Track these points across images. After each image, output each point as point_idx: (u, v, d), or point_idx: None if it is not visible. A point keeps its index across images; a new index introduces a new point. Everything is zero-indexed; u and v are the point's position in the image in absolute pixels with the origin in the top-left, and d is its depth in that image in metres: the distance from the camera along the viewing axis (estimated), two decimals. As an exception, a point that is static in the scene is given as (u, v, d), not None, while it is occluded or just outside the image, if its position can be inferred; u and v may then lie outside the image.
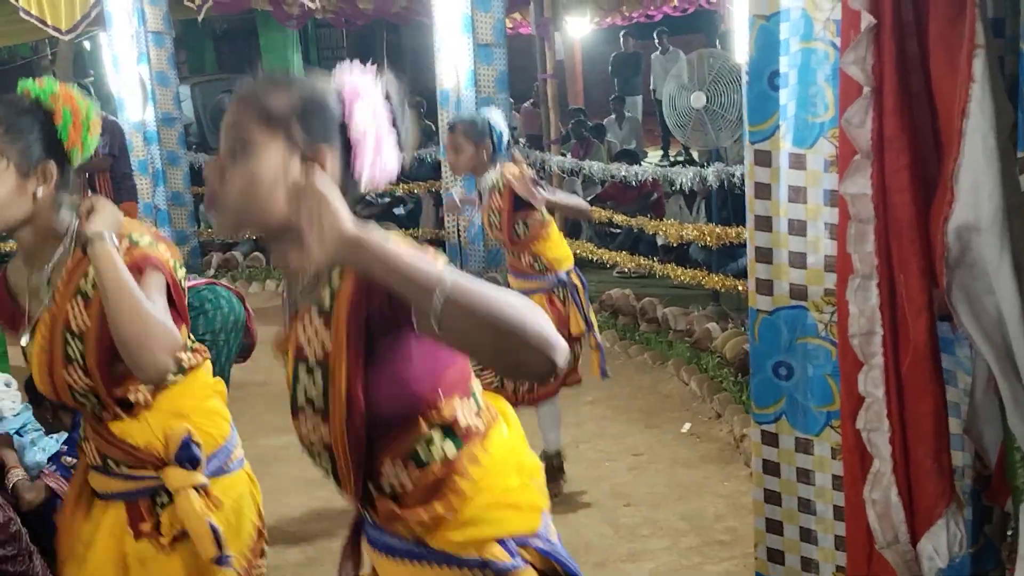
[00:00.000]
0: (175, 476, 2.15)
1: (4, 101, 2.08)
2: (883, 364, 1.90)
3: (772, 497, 2.46)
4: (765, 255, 2.40)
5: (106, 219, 2.07)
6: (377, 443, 1.55)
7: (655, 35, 13.33)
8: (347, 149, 1.53)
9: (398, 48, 16.09)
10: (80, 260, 2.09)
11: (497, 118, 4.29)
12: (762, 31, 2.34)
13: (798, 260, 2.35)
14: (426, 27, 9.16)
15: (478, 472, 1.60)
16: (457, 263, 8.37)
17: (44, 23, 8.35)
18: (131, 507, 2.19)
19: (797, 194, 2.33)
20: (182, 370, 2.20)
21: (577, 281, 4.41)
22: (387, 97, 1.55)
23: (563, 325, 4.34)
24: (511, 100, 8.72)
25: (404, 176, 9.72)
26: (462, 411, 1.59)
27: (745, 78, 2.48)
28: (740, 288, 6.37)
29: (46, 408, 3.68)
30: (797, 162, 2.33)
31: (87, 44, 12.65)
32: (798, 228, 2.34)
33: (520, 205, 4.23)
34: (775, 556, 2.48)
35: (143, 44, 8.62)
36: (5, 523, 2.93)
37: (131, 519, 2.19)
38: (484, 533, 1.60)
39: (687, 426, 5.42)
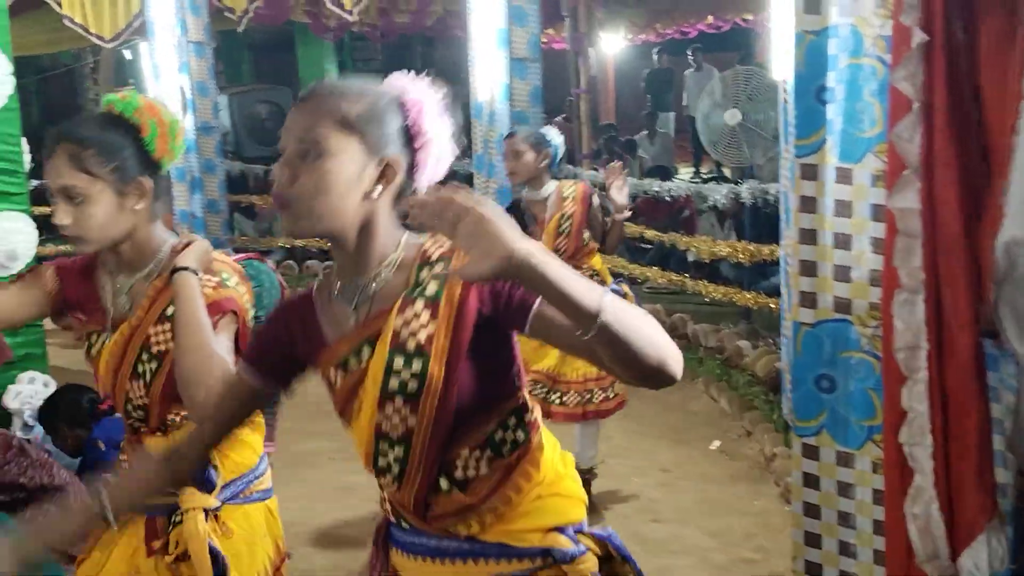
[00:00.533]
0: (190, 496, 2.16)
1: (92, 120, 2.10)
2: (927, 379, 1.90)
3: (811, 510, 2.46)
4: (809, 268, 2.41)
5: (198, 255, 2.11)
6: (458, 430, 1.57)
7: (689, 52, 13.32)
8: (411, 151, 1.57)
9: (432, 61, 16.18)
10: (165, 285, 2.13)
11: (553, 134, 4.40)
12: (811, 47, 2.35)
13: (842, 274, 2.36)
14: (460, 41, 9.21)
15: (542, 460, 1.63)
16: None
17: (88, 31, 8.46)
18: (149, 523, 2.21)
19: (843, 208, 2.34)
20: None
21: (628, 293, 4.44)
22: (444, 102, 1.60)
23: None
24: (544, 115, 8.73)
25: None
26: (528, 401, 1.64)
27: (783, 94, 2.50)
28: (772, 306, 6.34)
29: (63, 435, 3.72)
30: (843, 176, 2.34)
31: (128, 53, 12.80)
32: (843, 242, 2.35)
33: (590, 210, 4.34)
34: (813, 569, 2.48)
35: (184, 54, 8.72)
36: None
37: (147, 534, 2.20)
38: (545, 521, 1.61)
39: (716, 444, 5.40)
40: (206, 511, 2.17)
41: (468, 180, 8.89)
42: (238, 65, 15.52)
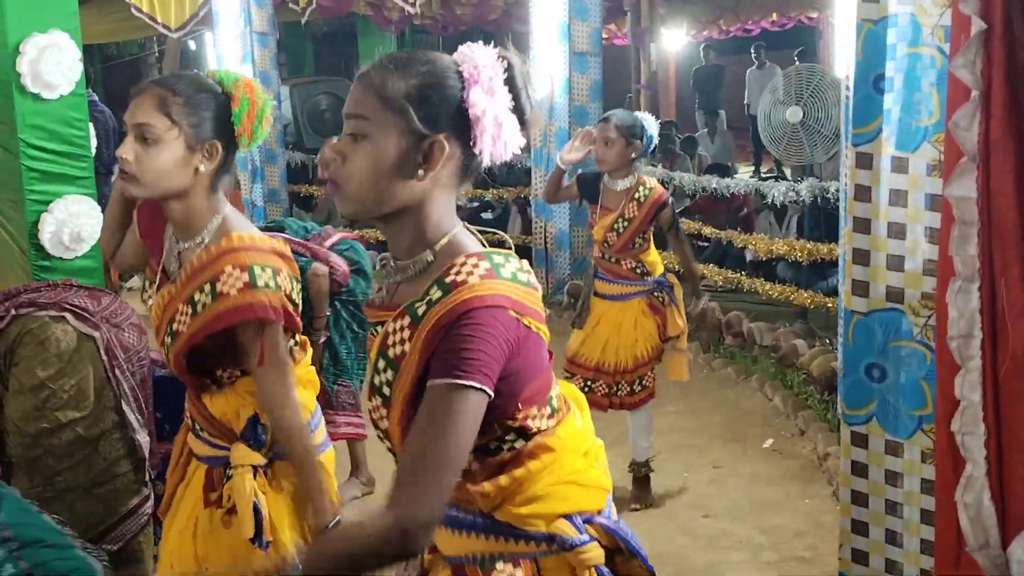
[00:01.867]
0: (238, 452, 2.23)
1: (190, 76, 2.17)
2: (981, 368, 1.87)
3: (859, 498, 2.46)
4: (863, 257, 2.40)
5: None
6: None
7: (752, 49, 13.19)
8: (467, 125, 1.51)
9: (493, 56, 16.20)
10: (207, 264, 2.13)
11: (650, 124, 4.35)
12: (870, 35, 2.34)
13: (896, 263, 2.35)
14: (521, 35, 9.22)
15: (547, 457, 1.61)
16: (543, 269, 8.40)
17: (155, 20, 8.63)
18: (208, 473, 2.29)
19: (898, 197, 2.33)
20: None
21: (676, 283, 4.44)
22: (509, 75, 1.53)
23: (662, 327, 4.37)
24: (603, 110, 8.73)
25: (493, 181, 9.79)
26: (535, 419, 1.60)
27: (846, 84, 2.48)
28: (830, 306, 6.27)
29: None
30: (899, 166, 2.33)
31: (192, 43, 13.03)
32: (897, 231, 2.34)
33: (656, 218, 4.31)
34: (859, 557, 2.49)
35: (248, 44, 8.86)
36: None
37: (205, 484, 2.29)
38: (551, 508, 1.60)
39: (769, 442, 5.36)
40: (255, 468, 2.22)
41: (526, 174, 8.93)
42: (300, 57, 15.72)
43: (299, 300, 2.28)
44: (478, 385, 1.44)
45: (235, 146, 2.19)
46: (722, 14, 13.77)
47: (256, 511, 2.18)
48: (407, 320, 1.50)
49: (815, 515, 4.35)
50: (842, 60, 5.27)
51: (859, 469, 2.44)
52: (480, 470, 1.60)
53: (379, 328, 1.61)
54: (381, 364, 1.54)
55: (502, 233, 1.71)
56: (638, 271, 4.39)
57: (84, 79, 4.20)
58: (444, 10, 11.45)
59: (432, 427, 1.43)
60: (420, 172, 1.50)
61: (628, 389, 4.40)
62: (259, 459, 2.23)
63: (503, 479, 1.58)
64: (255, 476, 2.22)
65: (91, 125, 4.38)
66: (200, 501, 2.28)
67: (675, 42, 14.02)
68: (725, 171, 9.31)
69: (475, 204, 10.05)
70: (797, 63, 8.51)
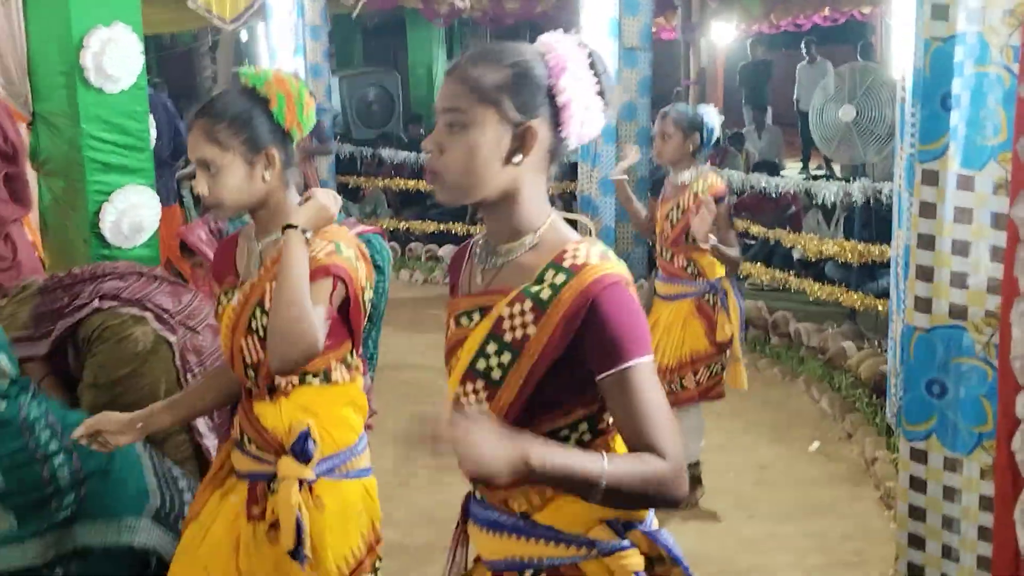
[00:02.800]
0: (285, 465, 2.24)
1: (225, 97, 2.23)
2: (1043, 388, 1.87)
3: (916, 513, 2.47)
4: (926, 273, 2.40)
5: (310, 213, 2.20)
6: (528, 419, 1.61)
7: (803, 44, 13.05)
8: (555, 111, 1.59)
9: (540, 49, 16.17)
10: None
11: (711, 116, 4.33)
12: (937, 53, 2.34)
13: (959, 280, 2.35)
14: (570, 29, 9.20)
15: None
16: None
17: (210, 12, 8.70)
18: (251, 488, 2.31)
19: (963, 215, 2.33)
20: (328, 379, 2.31)
21: (729, 289, 4.34)
22: (592, 61, 1.61)
23: (711, 331, 4.34)
24: (652, 105, 8.70)
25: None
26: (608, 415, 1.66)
27: (901, 92, 2.47)
28: (880, 308, 6.22)
29: None
30: (965, 183, 2.33)
31: (245, 35, 13.15)
32: (961, 248, 2.34)
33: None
34: (915, 571, 2.50)
35: (300, 36, 8.94)
36: None
37: (248, 499, 2.30)
38: (594, 512, 1.62)
39: (816, 444, 5.33)
40: (301, 482, 2.23)
41: (572, 169, 8.93)
42: (350, 49, 15.81)
43: (367, 305, 2.33)
44: (648, 357, 1.55)
45: (290, 139, 2.26)
46: (773, 7, 13.63)
47: (299, 525, 2.19)
48: (528, 304, 1.57)
49: (862, 519, 4.33)
50: (899, 62, 5.23)
51: (917, 484, 2.44)
52: None
53: (468, 316, 1.66)
54: (492, 347, 1.59)
55: (582, 217, 1.76)
56: (690, 271, 4.36)
57: (145, 71, 4.28)
58: (493, 4, 11.47)
59: (637, 407, 1.54)
60: (516, 158, 1.58)
61: (667, 388, 4.35)
62: (307, 473, 2.24)
63: None
64: (300, 490, 2.24)
65: (151, 117, 4.46)
66: (242, 515, 2.29)
67: (724, 36, 13.90)
68: (773, 168, 9.24)
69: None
70: (859, 60, 8.42)
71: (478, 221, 9.98)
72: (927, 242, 2.38)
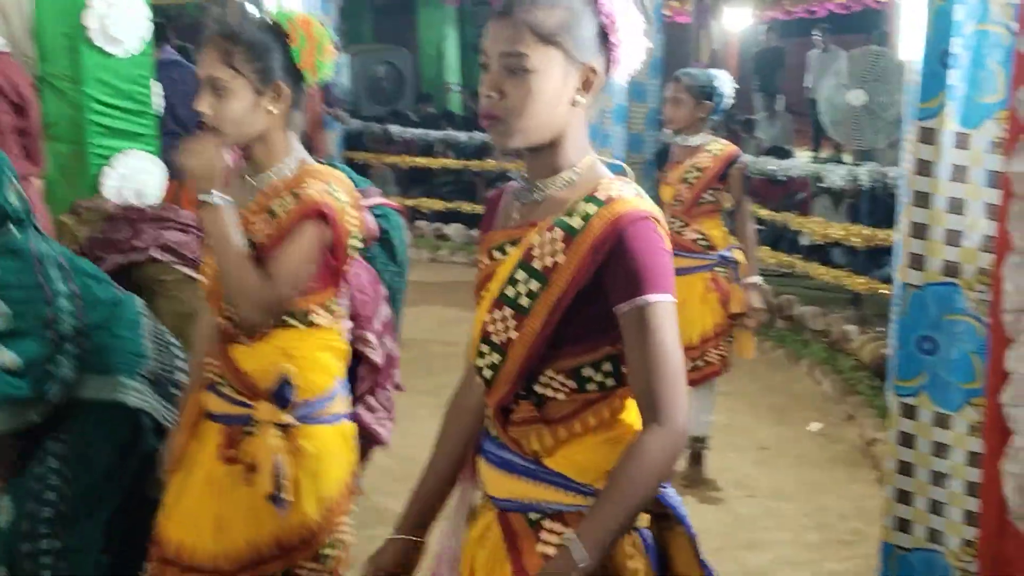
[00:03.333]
0: (264, 409, 2.23)
1: (245, 22, 2.22)
2: (1031, 342, 1.87)
3: (905, 468, 2.49)
4: (920, 231, 2.41)
5: (200, 176, 2.17)
6: (554, 351, 1.61)
7: (815, 31, 12.98)
8: (607, 49, 1.60)
9: (552, 31, 16.15)
10: (289, 183, 2.22)
11: (724, 83, 4.28)
12: (938, 12, 2.36)
13: (954, 238, 2.36)
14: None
15: (622, 410, 1.65)
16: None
17: (219, -16, 8.70)
18: (226, 431, 2.28)
19: (959, 173, 2.34)
20: (309, 323, 2.29)
21: (741, 260, 4.33)
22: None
23: (725, 303, 4.30)
24: (662, 88, 8.68)
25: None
26: None
27: (909, 75, 2.46)
28: (884, 292, 6.20)
29: None
30: (962, 142, 2.33)
31: (252, 7, 13.11)
32: (957, 206, 2.35)
33: (723, 178, 4.24)
34: (903, 526, 2.52)
35: (309, 10, 8.90)
36: None
37: (223, 443, 2.28)
38: (603, 464, 1.61)
39: (817, 426, 5.33)
40: (279, 426, 2.23)
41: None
42: (359, 25, 15.76)
43: (354, 253, 2.32)
44: (668, 297, 1.56)
45: (302, 81, 2.24)
46: (788, -6, 13.57)
47: (277, 469, 2.19)
48: (559, 233, 1.58)
49: (860, 499, 4.33)
50: (907, 43, 5.20)
51: (907, 440, 2.46)
52: (561, 402, 1.63)
53: (501, 250, 1.67)
54: (521, 275, 1.60)
55: (622, 163, 1.77)
56: (701, 243, 4.30)
57: (154, 38, 4.26)
58: (505, -18, 11.42)
59: (649, 345, 1.54)
60: (579, 98, 1.60)
61: (691, 365, 4.27)
62: (284, 417, 2.23)
63: (577, 424, 1.63)
64: (280, 434, 2.23)
65: (158, 84, 4.45)
66: (216, 459, 2.27)
67: (738, 21, 13.84)
68: (784, 154, 9.21)
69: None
70: (873, 47, 8.37)
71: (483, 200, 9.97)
72: (922, 199, 2.39)
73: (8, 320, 2.48)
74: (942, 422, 2.39)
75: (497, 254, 1.68)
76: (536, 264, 1.59)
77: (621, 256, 1.54)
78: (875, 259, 6.87)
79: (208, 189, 2.17)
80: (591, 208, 1.57)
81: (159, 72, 4.75)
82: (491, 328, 1.64)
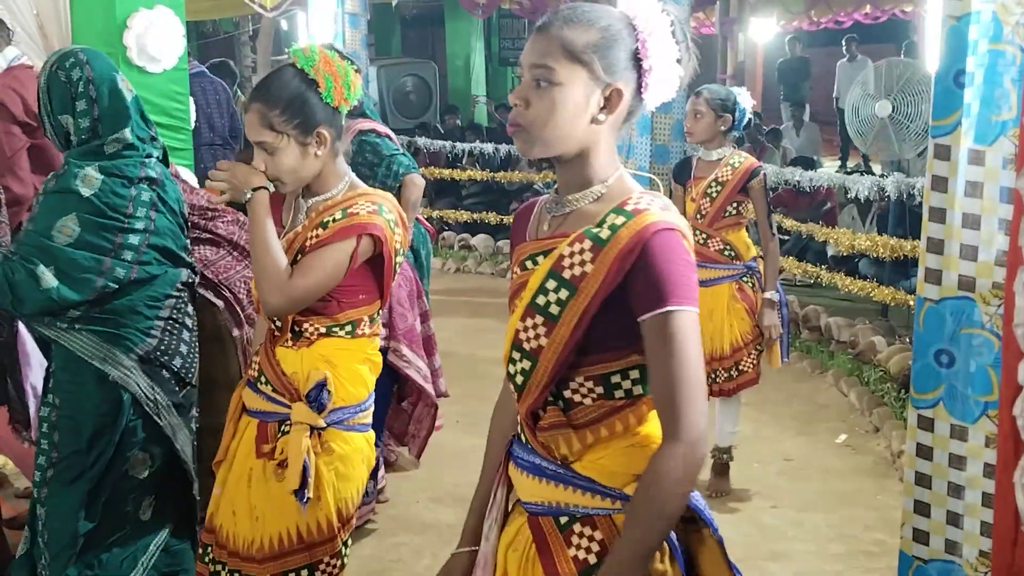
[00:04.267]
0: (299, 411, 2.40)
1: (278, 82, 2.37)
2: (1046, 355, 1.90)
3: (923, 480, 2.51)
4: (937, 246, 2.45)
5: (240, 183, 2.36)
6: (582, 358, 1.66)
7: (844, 42, 12.96)
8: (639, 73, 1.66)
9: (579, 42, 16.18)
10: (340, 202, 2.40)
11: (744, 99, 4.35)
12: (952, 31, 2.39)
13: (969, 253, 2.39)
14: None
15: (647, 419, 1.70)
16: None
17: (252, 0, 8.83)
18: (261, 427, 2.46)
19: (974, 189, 2.37)
20: (351, 333, 2.45)
21: (763, 269, 4.39)
22: (673, 28, 1.67)
23: (752, 312, 4.36)
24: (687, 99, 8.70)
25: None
26: None
27: (932, 73, 2.51)
28: (911, 303, 6.20)
29: None
30: (976, 158, 2.36)
31: (284, 23, 13.27)
32: (972, 222, 2.38)
33: (743, 190, 4.28)
34: (920, 536, 2.54)
35: (339, 24, 9.01)
36: None
37: (258, 437, 2.46)
38: (634, 468, 1.66)
39: (842, 437, 5.34)
40: (311, 428, 2.39)
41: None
42: (388, 38, 15.88)
43: (397, 268, 2.48)
44: (691, 308, 1.59)
45: (339, 116, 2.41)
46: (814, 5, 13.57)
47: (305, 468, 2.34)
48: (588, 244, 1.63)
49: (885, 511, 4.34)
50: (933, 54, 5.22)
51: (924, 452, 2.49)
52: (588, 407, 1.68)
53: (533, 260, 1.73)
54: (552, 284, 1.65)
55: (653, 177, 1.82)
56: (727, 253, 4.35)
57: (187, 54, 4.36)
58: (532, -5, 11.49)
59: (670, 355, 1.58)
60: (601, 117, 1.65)
61: (726, 375, 4.37)
62: (318, 421, 2.39)
63: (603, 429, 1.68)
64: (311, 435, 2.39)
65: (191, 99, 4.54)
66: (252, 453, 2.45)
67: (764, 33, 13.85)
68: (810, 164, 9.21)
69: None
70: (899, 57, 8.37)
71: (511, 212, 10.03)
72: (938, 215, 2.43)
73: (75, 238, 2.59)
74: (959, 434, 2.42)
75: (529, 264, 1.74)
76: (566, 273, 1.64)
77: (645, 266, 1.58)
78: (902, 270, 6.86)
79: (240, 192, 2.35)
80: (619, 220, 1.62)
81: (191, 85, 4.84)
82: (523, 336, 1.69)
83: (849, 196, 7.42)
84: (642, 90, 1.66)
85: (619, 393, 1.68)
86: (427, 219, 10.10)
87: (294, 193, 2.48)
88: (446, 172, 10.31)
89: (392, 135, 4.27)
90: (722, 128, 4.30)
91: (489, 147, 10.18)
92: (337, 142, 2.43)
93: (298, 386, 2.41)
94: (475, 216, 10.06)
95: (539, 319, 1.67)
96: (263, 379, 2.46)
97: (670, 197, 4.49)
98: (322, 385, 2.39)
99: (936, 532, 2.49)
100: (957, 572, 2.45)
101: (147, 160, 2.73)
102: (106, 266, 2.63)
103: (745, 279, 4.38)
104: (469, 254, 9.68)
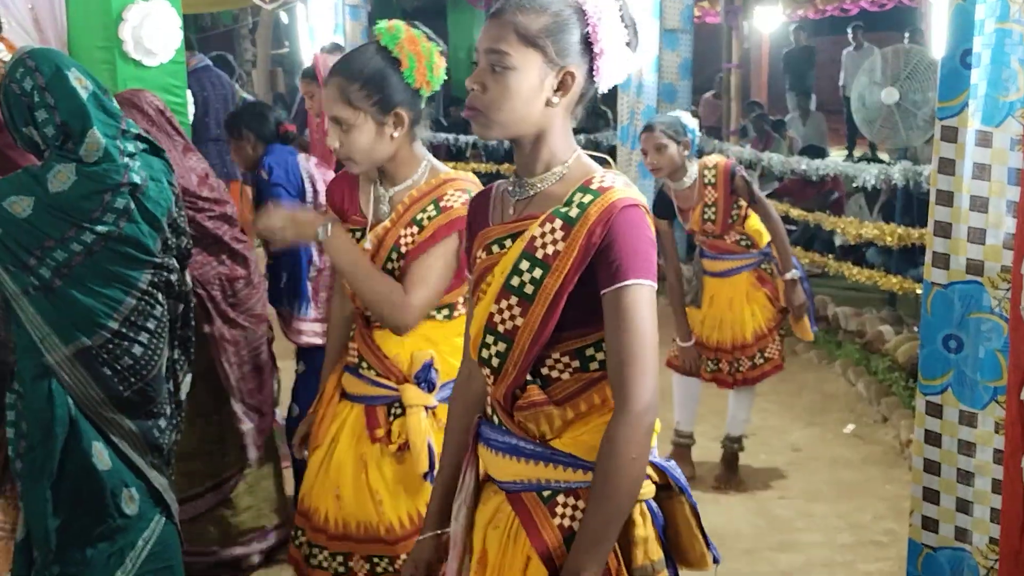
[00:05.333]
0: (411, 393, 2.39)
1: (360, 56, 2.34)
2: (1051, 338, 1.86)
3: (931, 467, 2.48)
4: (944, 229, 2.41)
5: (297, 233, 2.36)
6: (559, 334, 1.70)
7: (849, 30, 12.88)
8: (590, 57, 1.71)
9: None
10: (427, 192, 2.36)
11: (688, 118, 4.32)
12: (958, 10, 2.35)
13: (977, 236, 2.36)
14: (613, 11, 9.15)
15: None
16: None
17: (251, -7, 8.81)
18: (369, 412, 2.45)
19: (982, 171, 2.34)
20: (448, 316, 2.43)
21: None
22: (622, 13, 1.72)
23: (774, 298, 4.34)
24: (693, 88, 8.65)
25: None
26: None
27: (939, 59, 2.46)
28: (919, 292, 6.14)
29: (244, 142, 4.09)
30: (984, 140, 2.33)
31: (284, 16, 13.23)
32: (980, 204, 2.35)
33: (733, 189, 4.26)
34: (930, 524, 2.51)
35: (340, 16, 8.98)
36: None
37: (368, 423, 2.44)
38: None
39: (850, 427, 5.30)
40: (426, 408, 2.39)
41: (611, 152, 8.90)
42: (391, 32, 15.79)
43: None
44: (648, 282, 1.65)
45: (420, 99, 2.36)
46: (820, -7, 13.48)
47: (430, 449, 2.34)
48: (559, 223, 1.68)
49: (894, 500, 4.30)
50: (939, 40, 5.16)
51: (932, 438, 2.46)
52: (566, 382, 1.72)
53: (500, 244, 1.76)
54: (525, 264, 1.69)
55: (607, 157, 1.84)
56: (743, 243, 4.37)
57: (184, 47, 4.32)
58: (535, -14, 11.43)
59: (625, 327, 1.63)
60: (554, 99, 1.70)
61: (750, 363, 4.38)
62: (431, 400, 2.40)
63: (582, 403, 1.72)
64: (426, 414, 2.39)
65: (188, 92, 4.50)
66: (363, 439, 2.43)
67: (769, 21, 13.75)
68: (818, 153, 9.15)
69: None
70: (905, 44, 8.30)
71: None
72: (945, 198, 2.39)
73: (24, 217, 2.50)
74: (968, 420, 2.39)
75: (496, 248, 1.77)
76: (538, 253, 1.68)
77: (611, 241, 1.64)
78: (910, 258, 6.80)
79: (312, 236, 2.32)
80: (587, 198, 1.67)
81: (194, 79, 4.81)
82: (497, 318, 1.72)
83: (856, 185, 7.36)
84: (594, 73, 1.72)
85: (594, 365, 1.72)
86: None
87: (370, 181, 2.44)
88: (448, 164, 10.25)
89: None
90: (685, 153, 4.24)
91: (493, 139, 10.12)
92: (416, 126, 2.38)
93: (402, 368, 2.41)
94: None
95: (513, 300, 1.70)
96: (364, 364, 2.46)
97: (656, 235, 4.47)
98: (429, 365, 2.39)
99: (945, 520, 2.45)
100: (967, 560, 2.41)
101: (131, 162, 2.64)
102: (46, 246, 2.53)
103: (763, 266, 4.39)
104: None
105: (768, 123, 10.89)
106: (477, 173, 11.18)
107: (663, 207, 4.43)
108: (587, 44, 1.70)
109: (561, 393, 1.72)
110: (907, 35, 12.26)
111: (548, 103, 1.70)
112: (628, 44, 1.73)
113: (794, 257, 4.40)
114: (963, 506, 2.41)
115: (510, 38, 1.68)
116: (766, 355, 4.38)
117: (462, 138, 10.45)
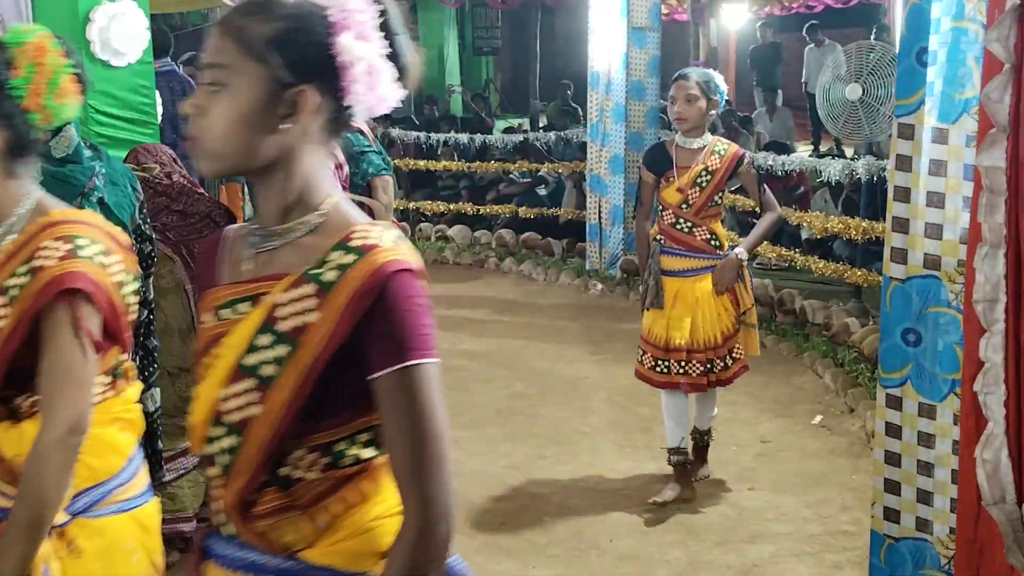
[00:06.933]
0: None
1: None
2: (1004, 331, 1.91)
3: (892, 458, 2.53)
4: (902, 225, 2.46)
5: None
6: (305, 425, 1.39)
7: (805, 28, 12.96)
8: (335, 74, 1.38)
9: (551, 30, 16.23)
10: (22, 244, 1.85)
11: (720, 81, 4.28)
12: (914, 9, 2.40)
13: (934, 231, 2.40)
14: (580, 10, 9.21)
15: (385, 480, 1.45)
16: (596, 244, 8.45)
17: (219, -7, 8.76)
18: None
19: (938, 167, 2.38)
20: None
21: (743, 257, 4.34)
22: (384, 20, 1.41)
23: (736, 302, 4.32)
24: (661, 86, 8.70)
25: (549, 156, 9.83)
26: None
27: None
28: (884, 284, 6.24)
29: None
30: (940, 136, 2.37)
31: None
32: (936, 200, 2.39)
33: (735, 173, 4.23)
34: (891, 515, 2.57)
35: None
36: None
37: None
38: (375, 545, 1.43)
39: (818, 418, 5.37)
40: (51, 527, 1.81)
41: (582, 149, 8.94)
42: (360, 30, 15.76)
43: (133, 305, 1.97)
44: (432, 360, 1.36)
45: (27, 124, 1.86)
46: (785, -10, 13.61)
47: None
48: (310, 288, 1.36)
49: (861, 490, 4.36)
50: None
51: (893, 430, 2.51)
52: (312, 482, 1.41)
53: (232, 308, 1.43)
54: (265, 340, 1.37)
55: (372, 201, 1.57)
56: (713, 243, 4.28)
57: (152, 48, 4.32)
58: (504, -16, 11.46)
59: (412, 417, 1.34)
60: (284, 125, 1.38)
61: (722, 364, 4.31)
62: (58, 517, 1.82)
63: (334, 506, 1.42)
64: (49, 536, 1.81)
65: (157, 93, 4.50)
66: None
67: (736, 18, 13.87)
68: (783, 149, 9.24)
69: (529, 179, 10.11)
70: (868, 40, 8.39)
71: (489, 202, 10.03)
72: (903, 194, 2.44)
73: None
74: (927, 412, 2.44)
75: (227, 312, 1.43)
76: (282, 326, 1.36)
77: (382, 314, 1.33)
78: (875, 252, 6.90)
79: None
80: (347, 258, 1.35)
81: (157, 82, 4.80)
82: (226, 406, 1.39)
83: (821, 180, 7.45)
84: (340, 94, 1.38)
85: (346, 461, 1.41)
86: (403, 210, 10.15)
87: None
88: (421, 163, 10.29)
89: (366, 129, 4.19)
90: (710, 112, 4.24)
91: (464, 137, 10.16)
92: (20, 156, 1.85)
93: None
94: (451, 207, 10.05)
95: (250, 383, 1.37)
96: None
97: (638, 184, 4.49)
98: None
99: (907, 510, 2.51)
100: (928, 550, 2.47)
101: (96, 167, 2.63)
102: None
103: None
104: (446, 245, 9.67)
105: (736, 119, 10.97)
106: (449, 172, 11.16)
107: (657, 160, 4.30)
108: (331, 57, 1.36)
109: (307, 495, 1.40)
110: (873, 31, 12.43)
111: (277, 130, 1.36)
112: (393, 58, 1.40)
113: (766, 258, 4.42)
114: (924, 497, 2.46)
115: (230, 48, 1.35)
116: (734, 355, 4.35)
117: (433, 136, 10.45)
